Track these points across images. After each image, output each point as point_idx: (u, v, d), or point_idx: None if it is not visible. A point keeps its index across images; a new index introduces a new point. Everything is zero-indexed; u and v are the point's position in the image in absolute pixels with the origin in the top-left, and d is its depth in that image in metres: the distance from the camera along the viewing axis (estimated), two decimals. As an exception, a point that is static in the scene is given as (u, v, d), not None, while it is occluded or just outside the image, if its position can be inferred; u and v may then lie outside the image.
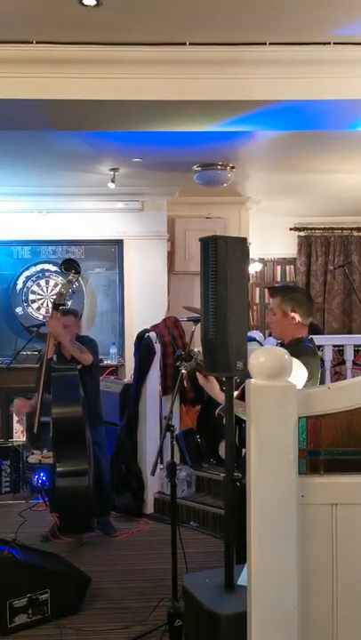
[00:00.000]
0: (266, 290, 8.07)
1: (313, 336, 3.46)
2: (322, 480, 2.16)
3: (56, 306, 4.54)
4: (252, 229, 7.61)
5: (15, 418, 6.89)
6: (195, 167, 5.89)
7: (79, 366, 4.48)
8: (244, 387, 2.80)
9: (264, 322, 8.15)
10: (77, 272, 4.58)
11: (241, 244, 2.65)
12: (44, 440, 5.01)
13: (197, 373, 3.25)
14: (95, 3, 3.14)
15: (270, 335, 4.19)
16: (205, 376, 3.21)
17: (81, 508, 4.20)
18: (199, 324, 2.79)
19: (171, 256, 7.33)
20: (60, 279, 7.03)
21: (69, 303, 5.39)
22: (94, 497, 4.39)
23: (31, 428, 6.57)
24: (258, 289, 8.46)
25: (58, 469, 4.20)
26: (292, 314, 3.15)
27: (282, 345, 3.16)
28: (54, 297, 4.73)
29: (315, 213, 8.17)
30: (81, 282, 6.87)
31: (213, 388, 3.22)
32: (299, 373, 2.79)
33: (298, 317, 3.15)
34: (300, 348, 3.02)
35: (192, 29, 3.44)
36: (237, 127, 4.43)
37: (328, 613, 2.15)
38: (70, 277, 4.54)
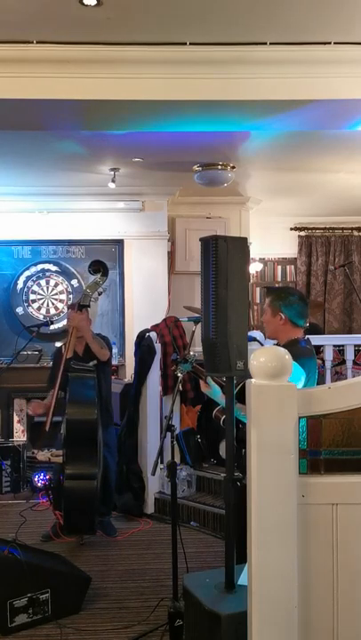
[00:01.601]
0: (264, 289, 8.10)
1: (314, 336, 3.47)
2: (322, 480, 2.16)
3: (80, 306, 4.50)
4: (253, 229, 7.61)
5: (15, 417, 6.89)
6: (195, 167, 5.89)
7: (92, 363, 4.46)
8: (240, 388, 2.80)
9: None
10: (105, 274, 4.51)
11: (241, 244, 2.66)
12: (51, 439, 5.00)
13: (200, 381, 3.27)
14: (95, 2, 3.13)
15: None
16: (205, 381, 3.23)
17: (86, 510, 4.18)
18: (200, 324, 2.80)
19: (171, 256, 7.33)
20: (60, 279, 7.03)
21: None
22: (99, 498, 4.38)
23: (34, 427, 6.60)
24: (258, 289, 8.46)
25: (67, 471, 4.15)
26: (280, 314, 3.18)
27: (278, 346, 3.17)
28: (79, 297, 4.65)
29: (315, 213, 8.17)
30: (81, 281, 6.88)
31: (215, 393, 3.24)
32: (295, 375, 2.79)
33: (285, 318, 3.17)
34: (296, 350, 3.02)
35: (192, 29, 3.44)
36: (238, 127, 4.43)
37: (329, 613, 2.15)
38: (97, 279, 4.48)
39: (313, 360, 3.16)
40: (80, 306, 4.50)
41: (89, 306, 4.54)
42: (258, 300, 8.45)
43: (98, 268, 4.51)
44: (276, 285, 8.38)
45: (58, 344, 5.79)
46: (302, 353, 3.06)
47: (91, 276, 4.60)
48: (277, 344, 3.21)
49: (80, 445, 4.20)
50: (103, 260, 4.66)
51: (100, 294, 4.63)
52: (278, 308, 3.19)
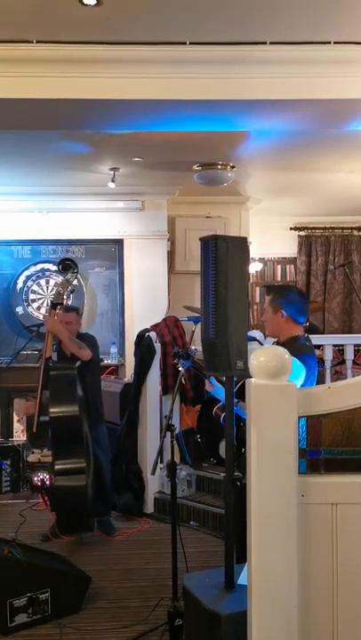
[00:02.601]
0: (264, 288, 8.11)
1: (313, 335, 3.47)
2: (322, 480, 2.16)
3: (54, 305, 4.63)
4: (253, 229, 7.61)
5: (15, 417, 6.89)
6: (195, 167, 5.89)
7: (78, 363, 4.49)
8: (241, 384, 2.81)
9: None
10: (75, 271, 4.66)
11: (241, 244, 2.66)
12: (44, 439, 5.02)
13: (205, 381, 3.28)
14: (95, 2, 3.13)
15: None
16: (207, 379, 3.24)
17: (79, 507, 4.19)
18: (199, 324, 2.80)
19: (171, 255, 7.33)
20: (60, 279, 7.01)
21: (69, 302, 5.42)
22: (94, 496, 4.38)
23: (31, 428, 6.61)
24: (258, 288, 8.47)
25: (56, 468, 4.20)
26: (281, 311, 3.19)
27: (278, 343, 3.17)
28: (52, 296, 4.79)
29: (315, 213, 8.17)
30: (81, 281, 6.87)
31: (218, 392, 3.25)
32: (296, 371, 2.80)
33: (287, 315, 3.18)
34: (296, 346, 3.04)
35: (192, 29, 3.44)
36: (238, 127, 4.42)
37: (328, 612, 2.16)
38: (68, 277, 4.62)
39: (313, 357, 3.17)
40: (53, 304, 4.63)
41: (61, 304, 4.66)
42: (258, 300, 8.46)
43: (67, 265, 4.66)
44: (276, 284, 8.40)
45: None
46: (303, 349, 3.07)
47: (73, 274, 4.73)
48: (277, 342, 3.22)
49: (66, 442, 4.24)
50: (71, 258, 4.85)
51: (72, 292, 4.80)
52: (279, 306, 3.20)
